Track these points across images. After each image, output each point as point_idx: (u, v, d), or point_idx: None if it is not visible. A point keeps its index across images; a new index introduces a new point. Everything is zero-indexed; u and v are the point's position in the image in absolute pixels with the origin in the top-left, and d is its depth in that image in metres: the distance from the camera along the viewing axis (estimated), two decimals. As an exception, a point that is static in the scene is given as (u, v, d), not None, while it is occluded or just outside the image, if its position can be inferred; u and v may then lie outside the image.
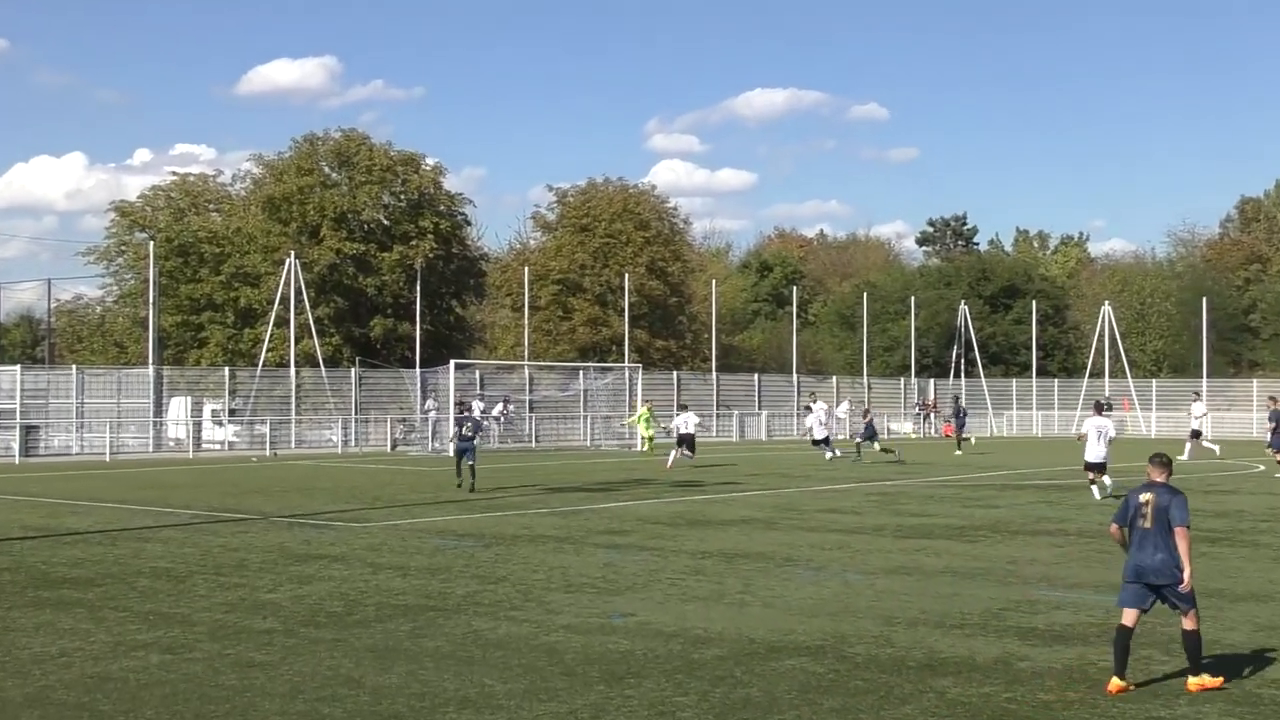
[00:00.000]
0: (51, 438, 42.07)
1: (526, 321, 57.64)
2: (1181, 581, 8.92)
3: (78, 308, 61.88)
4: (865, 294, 70.17)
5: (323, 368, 48.31)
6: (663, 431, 40.58)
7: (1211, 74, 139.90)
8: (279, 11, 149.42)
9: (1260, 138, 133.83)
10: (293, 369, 47.51)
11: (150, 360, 45.65)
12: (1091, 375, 66.27)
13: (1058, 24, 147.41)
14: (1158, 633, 10.43)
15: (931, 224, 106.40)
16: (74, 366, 45.96)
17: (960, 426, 46.92)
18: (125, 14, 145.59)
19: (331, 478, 31.15)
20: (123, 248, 59.86)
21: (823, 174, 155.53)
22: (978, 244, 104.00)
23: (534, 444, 48.83)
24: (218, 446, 44.53)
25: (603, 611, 12.04)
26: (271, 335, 49.00)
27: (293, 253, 49.10)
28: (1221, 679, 9.06)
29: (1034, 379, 68.18)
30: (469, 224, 61.29)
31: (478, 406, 39.87)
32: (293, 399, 46.80)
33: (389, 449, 45.59)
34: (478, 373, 49.37)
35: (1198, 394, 45.99)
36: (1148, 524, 9.05)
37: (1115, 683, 8.87)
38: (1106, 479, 24.59)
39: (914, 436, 59.04)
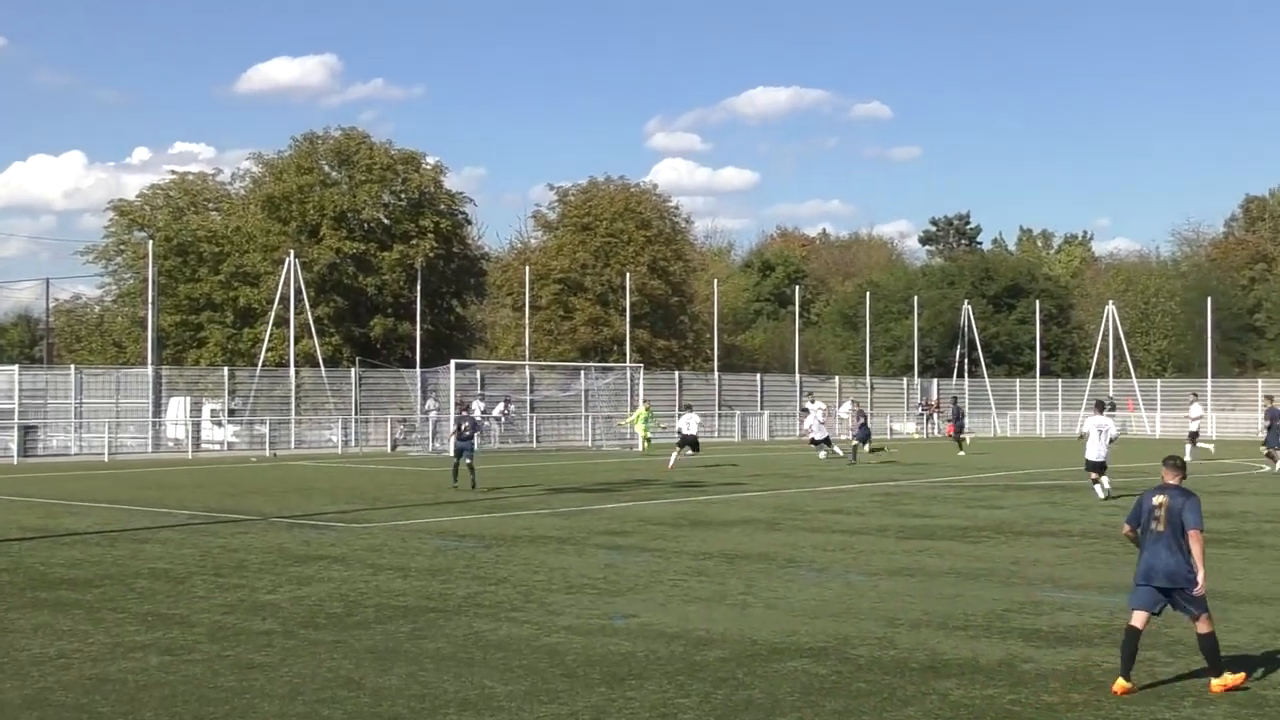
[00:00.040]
0: (50, 438, 42.01)
1: (527, 321, 57.62)
2: (1195, 585, 8.86)
3: (76, 307, 61.79)
4: (868, 293, 70.00)
5: (322, 368, 48.24)
6: (670, 432, 40.44)
7: (1216, 72, 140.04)
8: (279, 10, 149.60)
9: (1265, 136, 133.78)
10: (292, 369, 47.45)
11: (149, 360, 45.61)
12: (1096, 375, 66.14)
13: (1061, 22, 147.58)
14: (1162, 635, 10.36)
15: (934, 223, 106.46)
16: (72, 366, 45.89)
17: (960, 427, 46.85)
18: (125, 13, 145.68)
19: (331, 478, 31.10)
20: (121, 247, 59.79)
21: (825, 173, 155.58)
22: (981, 243, 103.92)
23: (535, 444, 48.78)
24: (217, 447, 44.48)
25: (604, 613, 11.99)
26: (271, 335, 48.91)
27: (292, 252, 49.01)
28: (1244, 675, 9.04)
29: (1038, 379, 68.14)
30: (469, 223, 61.34)
31: (478, 407, 39.84)
32: (292, 399, 46.75)
33: (389, 449, 45.54)
34: (478, 373, 49.31)
35: (1195, 395, 45.85)
36: (1161, 527, 9.00)
37: (1121, 683, 8.82)
38: (1105, 480, 24.50)
39: (917, 437, 58.97)
